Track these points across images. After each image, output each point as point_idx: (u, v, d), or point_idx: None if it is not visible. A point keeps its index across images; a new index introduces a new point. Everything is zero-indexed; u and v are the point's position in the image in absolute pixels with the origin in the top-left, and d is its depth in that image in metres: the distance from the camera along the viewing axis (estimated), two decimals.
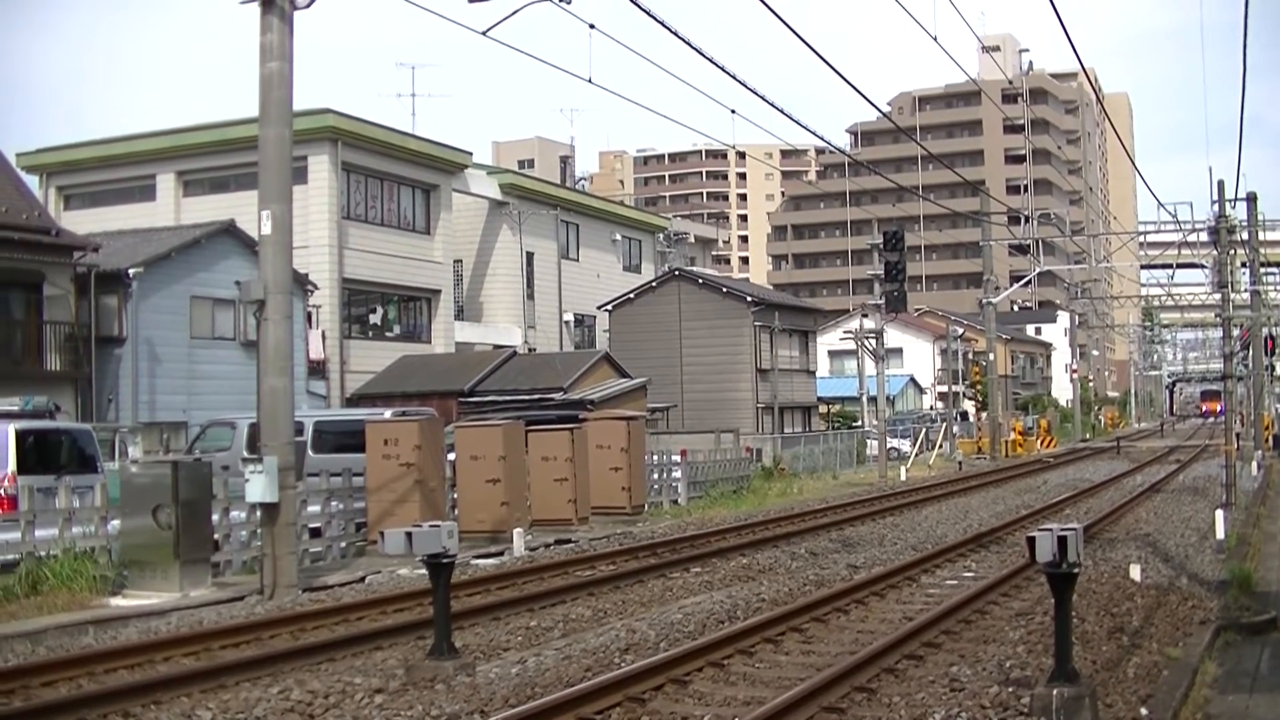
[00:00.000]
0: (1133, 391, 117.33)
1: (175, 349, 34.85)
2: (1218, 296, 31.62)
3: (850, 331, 49.83)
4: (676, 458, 31.05)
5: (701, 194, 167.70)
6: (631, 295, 51.69)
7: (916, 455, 50.82)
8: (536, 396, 37.47)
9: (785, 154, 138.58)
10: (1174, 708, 9.20)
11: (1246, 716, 9.20)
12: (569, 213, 55.92)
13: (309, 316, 39.39)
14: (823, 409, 60.71)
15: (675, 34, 14.86)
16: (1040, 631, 11.85)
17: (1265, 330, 41.53)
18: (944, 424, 58.98)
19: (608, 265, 58.43)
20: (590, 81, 18.12)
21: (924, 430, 56.76)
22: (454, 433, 23.23)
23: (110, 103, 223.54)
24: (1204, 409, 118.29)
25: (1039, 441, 61.14)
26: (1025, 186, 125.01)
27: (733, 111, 21.16)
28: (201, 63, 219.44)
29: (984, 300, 55.35)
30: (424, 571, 12.81)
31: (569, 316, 54.78)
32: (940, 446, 54.72)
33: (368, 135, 43.82)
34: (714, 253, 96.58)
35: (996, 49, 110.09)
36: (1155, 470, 39.81)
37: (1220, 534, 19.55)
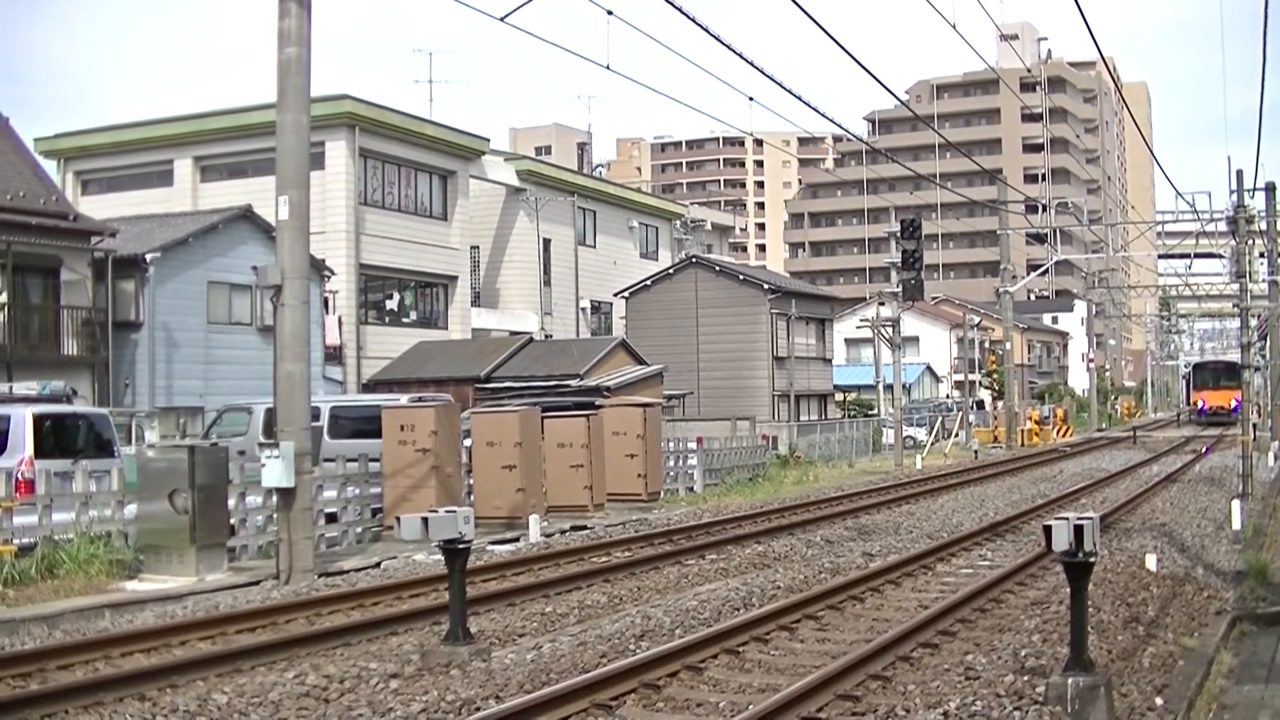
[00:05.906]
0: (1149, 381, 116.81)
1: (192, 334, 34.96)
2: (1235, 286, 31.50)
3: (867, 319, 49.68)
4: (692, 445, 31.04)
5: (719, 181, 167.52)
6: (648, 282, 51.71)
7: (932, 444, 50.79)
8: (553, 383, 37.50)
9: (803, 141, 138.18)
10: (1189, 698, 9.18)
11: (1262, 707, 9.18)
12: (586, 199, 55.89)
13: (326, 302, 39.47)
14: (839, 397, 60.67)
15: (694, 20, 14.81)
16: (1056, 621, 11.83)
17: None
18: (960, 413, 58.92)
19: (625, 252, 58.41)
20: (608, 68, 18.07)
21: (940, 419, 56.72)
22: (470, 419, 23.25)
23: (128, 88, 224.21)
24: (1200, 403, 75.45)
25: (1055, 431, 60.98)
26: (1043, 175, 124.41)
27: (750, 99, 21.15)
28: (220, 48, 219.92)
29: (1001, 289, 55.17)
30: (440, 557, 12.84)
31: (585, 303, 54.78)
32: (956, 435, 54.69)
33: (385, 121, 43.83)
34: (731, 240, 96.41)
35: (1015, 37, 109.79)
36: (1171, 460, 39.67)
37: (1236, 524, 19.51)
